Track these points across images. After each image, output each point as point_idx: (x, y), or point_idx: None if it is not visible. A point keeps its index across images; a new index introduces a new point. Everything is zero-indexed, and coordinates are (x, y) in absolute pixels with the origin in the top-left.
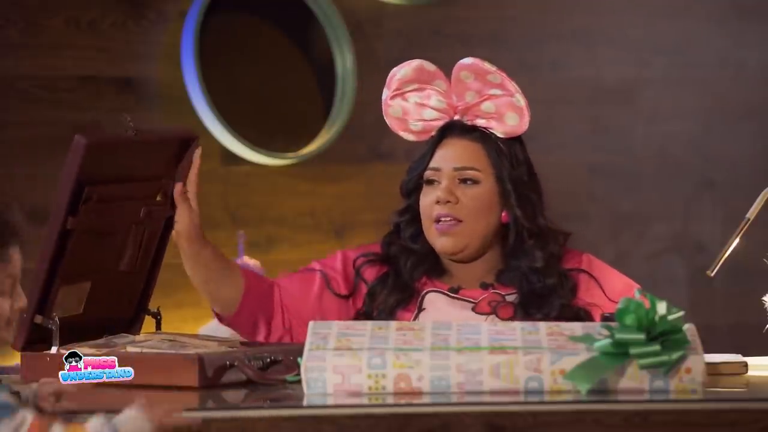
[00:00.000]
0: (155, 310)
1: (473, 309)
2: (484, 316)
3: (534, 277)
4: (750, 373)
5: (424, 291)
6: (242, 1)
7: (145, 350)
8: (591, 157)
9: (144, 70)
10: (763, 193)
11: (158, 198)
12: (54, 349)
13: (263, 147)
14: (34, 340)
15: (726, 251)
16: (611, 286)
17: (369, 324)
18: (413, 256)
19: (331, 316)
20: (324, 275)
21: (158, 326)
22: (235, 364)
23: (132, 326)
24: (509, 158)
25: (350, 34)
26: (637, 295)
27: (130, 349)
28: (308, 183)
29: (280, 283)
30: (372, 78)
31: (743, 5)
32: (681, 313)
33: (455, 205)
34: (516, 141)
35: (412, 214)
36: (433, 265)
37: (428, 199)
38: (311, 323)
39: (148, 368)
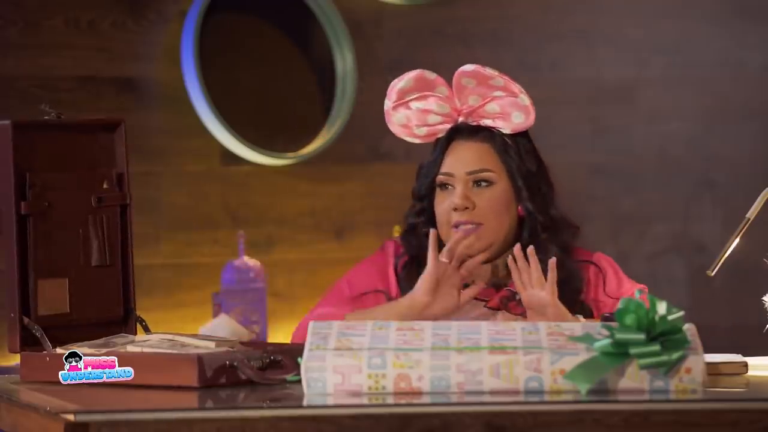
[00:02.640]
0: (139, 317)
1: (485, 305)
2: (494, 311)
3: (544, 268)
4: (750, 373)
5: None
6: (242, 1)
7: (145, 350)
8: (591, 157)
9: (144, 70)
10: (763, 193)
11: (105, 186)
12: (48, 350)
13: (263, 147)
14: (30, 340)
15: (726, 251)
16: (612, 284)
17: (369, 324)
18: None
19: None
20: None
21: (146, 330)
22: (235, 364)
23: (126, 326)
24: (517, 152)
25: (350, 34)
26: (637, 296)
27: (131, 348)
28: (308, 183)
29: None
30: (372, 78)
31: (743, 5)
32: (681, 313)
33: (473, 211)
34: (521, 133)
35: (427, 216)
36: None
37: (444, 206)
38: (311, 323)
39: (148, 368)
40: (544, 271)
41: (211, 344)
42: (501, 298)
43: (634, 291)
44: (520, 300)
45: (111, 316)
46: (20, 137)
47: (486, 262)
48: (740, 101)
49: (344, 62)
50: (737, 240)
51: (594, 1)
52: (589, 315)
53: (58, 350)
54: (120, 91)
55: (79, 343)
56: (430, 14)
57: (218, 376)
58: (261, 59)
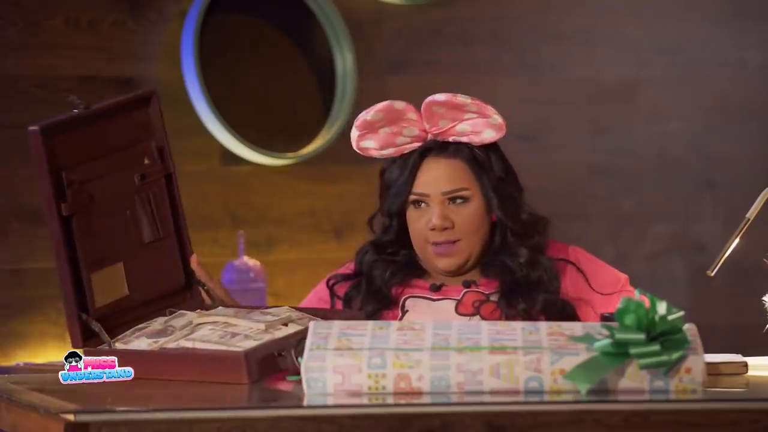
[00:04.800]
0: (201, 282)
1: (456, 309)
2: (467, 317)
3: (516, 267)
4: (750, 373)
5: (405, 296)
6: (242, 1)
7: (197, 345)
8: (591, 157)
9: (144, 70)
10: (763, 193)
11: (146, 162)
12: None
13: (263, 147)
14: (91, 334)
15: (726, 251)
16: (598, 280)
17: (370, 324)
18: (392, 266)
19: None
20: None
21: (210, 296)
22: (282, 353)
23: (190, 294)
24: (488, 162)
25: (350, 34)
26: (637, 295)
27: (183, 343)
28: (308, 183)
29: None
30: (372, 78)
31: (743, 5)
32: (681, 313)
33: (452, 230)
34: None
35: (395, 234)
36: (411, 270)
37: (420, 223)
38: (311, 323)
39: (197, 365)
40: (514, 268)
41: (261, 326)
42: (473, 301)
43: (621, 279)
44: (493, 302)
45: (174, 286)
46: (50, 140)
47: (461, 273)
48: (740, 101)
49: (344, 62)
50: (737, 240)
51: (594, 2)
52: (570, 312)
53: (118, 345)
54: (120, 91)
55: (138, 334)
56: (430, 14)
57: (266, 369)
58: (261, 59)
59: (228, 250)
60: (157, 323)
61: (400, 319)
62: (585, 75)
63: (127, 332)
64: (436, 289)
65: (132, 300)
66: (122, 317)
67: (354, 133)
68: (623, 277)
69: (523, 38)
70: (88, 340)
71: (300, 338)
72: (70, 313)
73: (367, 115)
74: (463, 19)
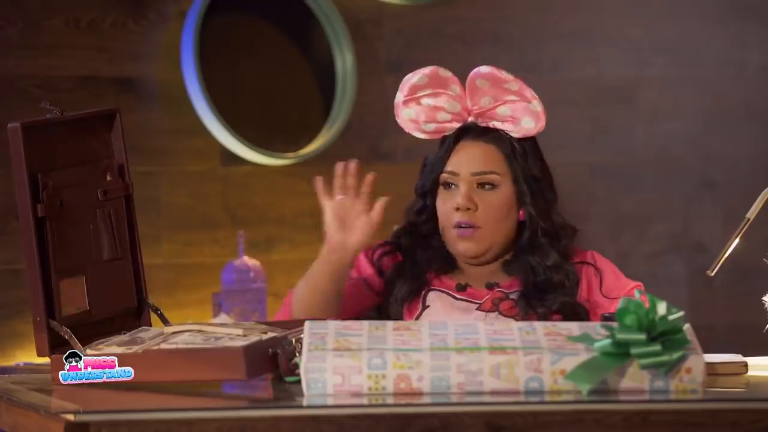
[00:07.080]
0: (153, 306)
1: (477, 308)
2: (486, 314)
3: (540, 269)
4: (750, 373)
5: (427, 288)
6: (242, 1)
7: (180, 347)
8: (591, 157)
9: (144, 70)
10: (763, 193)
11: (108, 178)
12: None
13: (263, 147)
14: (58, 342)
15: (726, 251)
16: (608, 284)
17: (365, 324)
18: (430, 250)
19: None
20: (363, 281)
21: (163, 320)
22: (278, 351)
23: (140, 317)
24: (524, 156)
25: (350, 34)
26: (637, 296)
27: (164, 346)
28: (308, 183)
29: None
30: (372, 78)
31: (743, 5)
32: (681, 313)
33: (475, 213)
34: (529, 138)
35: (428, 214)
36: (446, 261)
37: (447, 206)
38: (307, 322)
39: (191, 363)
40: (538, 269)
41: (239, 331)
42: (493, 299)
43: (632, 289)
44: (512, 300)
45: (126, 308)
46: (30, 138)
47: (481, 264)
48: (740, 101)
49: (344, 62)
50: (737, 240)
51: (594, 2)
52: (584, 315)
53: (89, 351)
54: (120, 91)
55: (107, 342)
56: (430, 14)
57: (262, 366)
58: (261, 59)
59: (228, 250)
60: (122, 337)
61: (420, 313)
62: (585, 75)
63: (96, 345)
64: (461, 288)
65: (89, 315)
66: (79, 331)
67: (399, 97)
68: (633, 284)
69: (523, 38)
70: (55, 347)
71: (296, 338)
72: (39, 319)
73: (413, 78)
74: (463, 19)
